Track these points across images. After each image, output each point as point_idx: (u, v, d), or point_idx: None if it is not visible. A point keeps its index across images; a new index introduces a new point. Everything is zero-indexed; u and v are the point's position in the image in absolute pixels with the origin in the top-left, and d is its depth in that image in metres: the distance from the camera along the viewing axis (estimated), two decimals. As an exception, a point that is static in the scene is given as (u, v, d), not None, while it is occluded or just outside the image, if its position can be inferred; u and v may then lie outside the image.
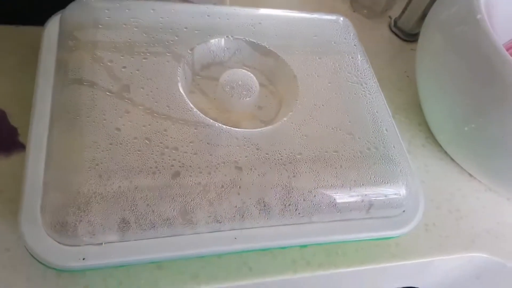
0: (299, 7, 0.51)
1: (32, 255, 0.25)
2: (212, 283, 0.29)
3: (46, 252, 0.24)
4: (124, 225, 0.24)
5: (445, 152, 0.42)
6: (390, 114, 0.33)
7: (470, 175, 0.42)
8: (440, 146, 0.43)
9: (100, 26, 0.30)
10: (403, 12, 0.53)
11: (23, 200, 0.25)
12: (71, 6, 0.32)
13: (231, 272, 0.30)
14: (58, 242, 0.24)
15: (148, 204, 0.24)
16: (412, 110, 0.46)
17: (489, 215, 0.40)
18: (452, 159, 0.42)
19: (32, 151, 0.27)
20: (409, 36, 0.53)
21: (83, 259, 0.24)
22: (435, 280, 0.41)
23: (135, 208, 0.24)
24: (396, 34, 0.54)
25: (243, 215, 0.26)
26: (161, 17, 0.32)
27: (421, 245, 0.36)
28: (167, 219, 0.25)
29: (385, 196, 0.29)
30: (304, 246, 0.30)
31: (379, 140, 0.30)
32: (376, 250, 0.34)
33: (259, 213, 0.26)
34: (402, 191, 0.29)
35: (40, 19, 0.35)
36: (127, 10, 0.32)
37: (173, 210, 0.25)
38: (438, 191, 0.40)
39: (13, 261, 0.28)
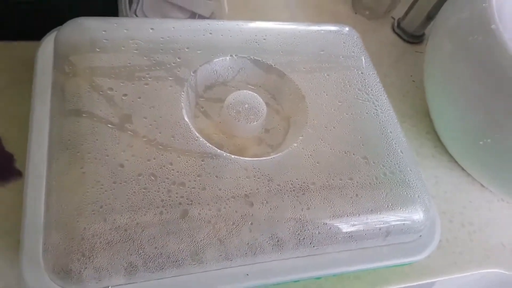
0: (300, 12, 0.50)
1: (35, 302, 0.23)
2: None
3: (50, 299, 0.23)
4: (131, 268, 0.23)
5: (455, 162, 0.41)
6: (403, 133, 0.32)
7: (482, 185, 0.40)
8: (450, 155, 0.41)
9: (97, 49, 0.28)
10: (406, 13, 0.51)
11: (23, 242, 0.24)
12: (66, 27, 0.30)
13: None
14: (62, 288, 0.23)
15: (155, 247, 0.23)
16: (419, 117, 0.44)
17: (504, 227, 0.39)
18: (462, 169, 0.41)
19: (30, 187, 0.26)
20: (413, 38, 0.52)
21: (89, 305, 0.23)
22: (446, 292, 0.40)
23: (142, 251, 0.23)
24: (399, 36, 0.52)
25: (255, 252, 0.25)
26: (161, 37, 0.30)
27: (435, 264, 0.35)
28: (176, 261, 0.23)
29: (403, 222, 0.28)
30: (319, 278, 0.29)
31: (394, 164, 0.29)
32: (389, 271, 0.33)
33: (272, 248, 0.25)
34: (420, 217, 0.28)
35: (33, 34, 0.34)
36: (125, 30, 0.30)
37: (182, 251, 0.23)
38: (450, 204, 0.39)
39: (14, 300, 0.27)
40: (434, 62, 0.39)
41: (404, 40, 0.52)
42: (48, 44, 0.31)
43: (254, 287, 0.26)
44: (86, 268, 0.22)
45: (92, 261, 0.22)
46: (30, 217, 0.25)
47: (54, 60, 0.29)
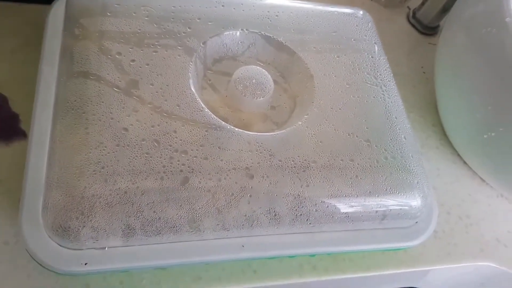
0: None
1: (32, 257, 0.24)
2: (215, 285, 0.29)
3: (47, 255, 0.23)
4: (129, 231, 0.23)
5: (458, 155, 0.41)
6: (408, 120, 0.32)
7: (482, 180, 0.40)
8: (453, 148, 0.41)
9: (108, 14, 0.28)
10: (423, 3, 0.50)
11: (24, 199, 0.24)
12: (78, -11, 0.30)
13: (235, 275, 0.29)
14: (60, 245, 0.23)
15: (154, 211, 0.23)
16: (427, 109, 0.44)
17: (500, 223, 0.39)
18: (464, 162, 0.41)
19: (34, 145, 0.26)
20: (428, 29, 0.51)
21: (85, 264, 0.23)
22: (437, 283, 0.40)
23: (141, 215, 0.23)
24: (414, 26, 0.51)
25: (252, 224, 0.25)
26: (173, 6, 0.30)
27: (429, 253, 0.35)
28: (174, 226, 0.24)
29: (400, 207, 0.28)
30: (313, 255, 0.29)
31: (397, 149, 0.29)
32: (383, 256, 0.33)
33: (269, 222, 0.25)
34: (417, 203, 0.28)
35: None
36: (137, -3, 0.30)
37: (180, 217, 0.24)
38: (449, 196, 0.39)
39: (12, 256, 0.27)
40: (446, 54, 0.39)
41: (418, 31, 0.51)
42: (59, 8, 0.31)
43: (249, 258, 0.26)
44: (84, 226, 0.22)
45: (90, 220, 0.22)
46: (32, 175, 0.25)
47: (64, 22, 0.29)
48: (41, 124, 0.26)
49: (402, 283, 0.39)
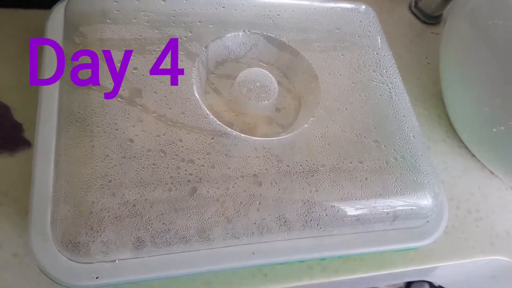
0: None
1: (42, 272, 0.24)
2: (226, 290, 0.29)
3: (57, 270, 0.23)
4: (139, 244, 0.23)
5: (466, 147, 0.41)
6: (416, 118, 0.31)
7: (492, 172, 0.40)
8: (461, 141, 0.41)
9: (108, 21, 0.28)
10: (425, -9, 0.50)
11: (31, 213, 0.24)
12: (76, -4, 0.29)
13: (245, 279, 0.29)
14: (70, 259, 0.23)
15: (163, 223, 0.23)
16: (432, 101, 0.44)
17: (510, 216, 0.38)
18: (473, 155, 0.40)
19: (39, 158, 0.25)
20: (431, 19, 0.50)
21: (96, 277, 0.23)
22: (447, 276, 0.40)
23: (150, 227, 0.23)
24: (416, 16, 0.51)
25: (262, 231, 0.25)
26: (173, 10, 0.29)
27: (440, 249, 0.35)
28: (184, 237, 0.23)
29: (411, 208, 0.27)
30: (323, 259, 0.29)
31: (406, 148, 0.28)
32: (394, 255, 0.33)
33: (279, 228, 0.25)
34: (428, 202, 0.28)
35: (43, 2, 0.33)
36: (136, 2, 0.29)
37: (190, 228, 0.23)
38: (458, 190, 0.38)
39: (22, 268, 0.27)
40: (451, 45, 0.38)
41: (420, 20, 0.50)
42: (58, 13, 0.30)
43: (260, 265, 0.26)
44: (94, 241, 0.22)
45: (100, 235, 0.22)
46: (39, 189, 0.24)
47: (64, 30, 0.29)
48: (45, 136, 0.26)
49: (411, 278, 0.39)
